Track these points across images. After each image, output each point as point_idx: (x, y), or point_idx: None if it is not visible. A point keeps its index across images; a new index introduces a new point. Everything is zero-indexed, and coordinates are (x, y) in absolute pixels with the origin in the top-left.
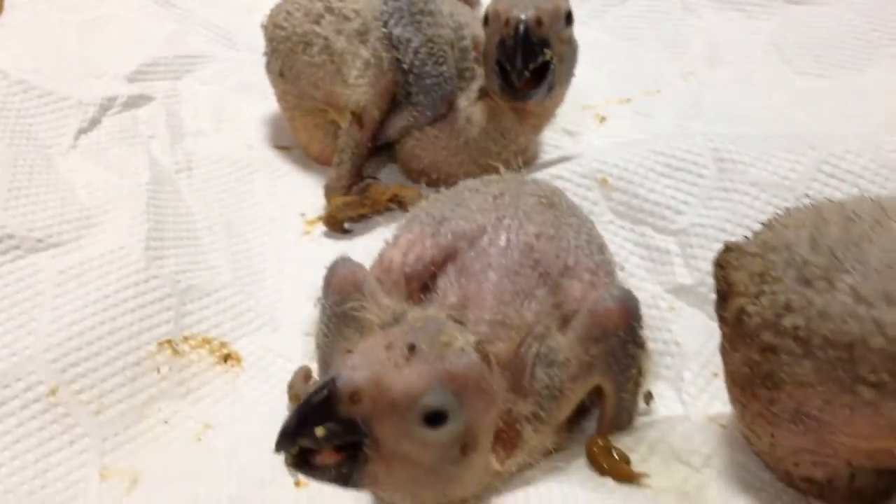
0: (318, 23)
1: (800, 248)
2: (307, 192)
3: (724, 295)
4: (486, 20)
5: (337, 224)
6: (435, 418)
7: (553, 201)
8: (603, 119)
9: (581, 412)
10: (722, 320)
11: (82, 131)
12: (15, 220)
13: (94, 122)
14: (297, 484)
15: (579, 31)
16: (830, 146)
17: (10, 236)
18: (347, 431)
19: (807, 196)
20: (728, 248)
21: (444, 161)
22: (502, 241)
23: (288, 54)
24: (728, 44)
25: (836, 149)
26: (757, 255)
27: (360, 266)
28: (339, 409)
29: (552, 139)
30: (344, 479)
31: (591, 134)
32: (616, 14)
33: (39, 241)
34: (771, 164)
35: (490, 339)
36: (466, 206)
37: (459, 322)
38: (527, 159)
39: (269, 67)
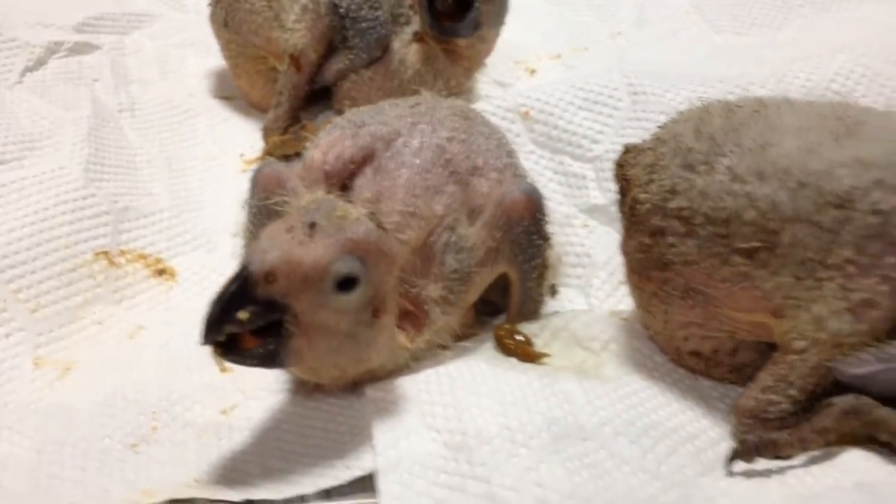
0: None
1: (685, 138)
2: (246, 135)
3: (623, 191)
4: None
5: None
6: (346, 283)
7: (467, 114)
8: (533, 72)
9: (492, 312)
10: (622, 215)
11: (28, 69)
12: None
13: (40, 63)
14: (223, 370)
15: None
16: (737, 79)
17: None
18: (268, 311)
19: None
20: (627, 150)
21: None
22: (416, 143)
23: (231, 3)
24: (654, 7)
25: (742, 80)
26: (649, 149)
27: (284, 166)
28: (257, 291)
29: (484, 90)
30: (271, 358)
31: (521, 84)
32: None
33: None
34: (681, 94)
35: (401, 228)
36: (385, 113)
37: (348, 198)
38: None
39: (213, 18)
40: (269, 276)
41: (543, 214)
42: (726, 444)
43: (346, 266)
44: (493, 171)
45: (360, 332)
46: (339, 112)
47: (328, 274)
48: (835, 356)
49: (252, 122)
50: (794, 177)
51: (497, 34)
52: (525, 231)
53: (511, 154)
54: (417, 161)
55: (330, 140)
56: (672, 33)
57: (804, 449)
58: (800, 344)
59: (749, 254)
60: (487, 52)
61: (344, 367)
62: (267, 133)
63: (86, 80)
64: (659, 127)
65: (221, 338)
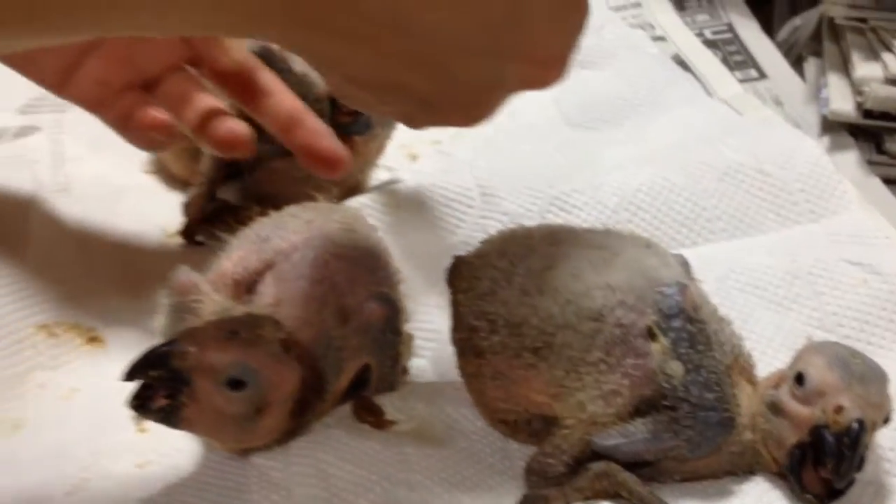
0: None
1: (492, 257)
2: (169, 210)
3: (451, 292)
4: None
5: (191, 236)
6: (235, 384)
7: (354, 227)
8: (415, 157)
9: (359, 388)
10: (451, 311)
11: None
12: None
13: None
14: (140, 430)
15: None
16: (562, 185)
17: None
18: (174, 380)
19: (543, 222)
20: (455, 259)
21: (286, 189)
22: (309, 257)
23: None
24: (524, 97)
25: (566, 188)
26: (470, 262)
27: (195, 274)
28: (172, 361)
29: (374, 176)
30: (167, 418)
31: (403, 170)
32: None
33: None
34: (519, 198)
35: (294, 331)
36: (285, 228)
37: (277, 322)
38: (352, 192)
39: None
40: (185, 356)
41: (396, 316)
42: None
43: (238, 371)
44: (367, 284)
45: (242, 422)
46: (255, 195)
47: (224, 372)
48: (592, 431)
49: (175, 196)
50: (563, 295)
51: (388, 136)
52: (381, 331)
53: (386, 266)
54: (308, 273)
55: (240, 254)
56: (532, 123)
57: (567, 503)
58: (569, 421)
59: (535, 351)
60: (380, 151)
61: (224, 441)
62: (187, 209)
63: (28, 163)
64: (480, 243)
65: (136, 387)
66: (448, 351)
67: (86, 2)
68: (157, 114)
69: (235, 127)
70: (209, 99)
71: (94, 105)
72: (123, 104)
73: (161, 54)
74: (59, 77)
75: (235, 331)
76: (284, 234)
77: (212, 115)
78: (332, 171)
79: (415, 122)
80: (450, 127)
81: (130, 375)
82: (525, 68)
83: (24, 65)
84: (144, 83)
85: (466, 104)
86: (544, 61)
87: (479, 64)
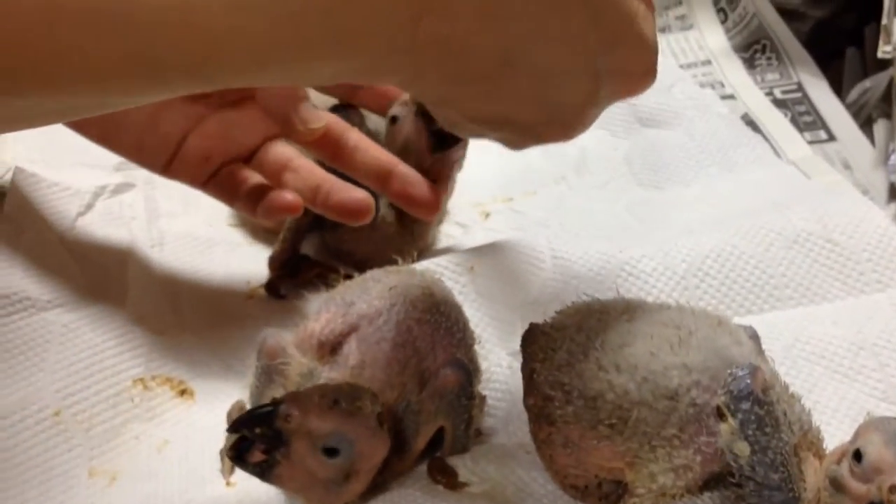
0: None
1: (570, 330)
2: (254, 264)
3: (525, 360)
4: (393, 120)
5: (275, 290)
6: (330, 451)
7: (433, 291)
8: (488, 215)
9: (433, 446)
10: (523, 377)
11: (80, 214)
12: (31, 286)
13: (89, 207)
14: (228, 484)
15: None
16: (632, 250)
17: (28, 298)
18: (274, 438)
19: (613, 286)
20: (530, 327)
21: (363, 247)
22: (393, 322)
23: None
24: (594, 156)
25: (636, 253)
26: (546, 333)
27: (282, 336)
28: (275, 422)
29: (447, 231)
30: (262, 472)
31: (476, 227)
32: None
33: (49, 301)
34: (589, 262)
35: (378, 393)
36: (369, 293)
37: (375, 395)
38: (425, 249)
39: None
40: (288, 418)
41: (470, 382)
42: None
43: (334, 440)
44: (446, 348)
45: (331, 486)
46: (333, 250)
47: (322, 439)
48: (660, 502)
49: (258, 249)
50: (640, 373)
51: (452, 188)
52: (456, 396)
53: (463, 328)
54: (392, 337)
55: (327, 316)
56: (604, 182)
57: None
58: (639, 490)
59: (610, 425)
60: (449, 199)
61: (311, 501)
62: (271, 262)
63: (125, 220)
64: (556, 313)
65: (237, 435)
66: (518, 410)
67: (233, 59)
68: (290, 196)
69: (356, 194)
70: (312, 166)
71: (200, 182)
72: (228, 178)
73: (254, 126)
74: (165, 158)
75: (337, 400)
76: (369, 300)
77: (326, 184)
78: (428, 213)
79: (517, 145)
80: (548, 143)
81: (235, 428)
82: (618, 83)
83: (132, 151)
84: (242, 156)
85: (565, 123)
86: (635, 74)
87: (578, 87)
